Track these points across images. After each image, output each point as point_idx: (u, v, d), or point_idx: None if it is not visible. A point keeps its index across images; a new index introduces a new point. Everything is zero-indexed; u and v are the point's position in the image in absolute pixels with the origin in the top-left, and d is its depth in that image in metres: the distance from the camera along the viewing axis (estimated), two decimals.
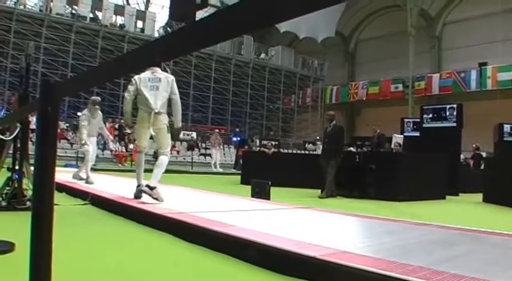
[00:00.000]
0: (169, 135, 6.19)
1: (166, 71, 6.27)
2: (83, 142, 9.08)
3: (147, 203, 5.59)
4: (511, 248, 3.71)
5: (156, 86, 6.00)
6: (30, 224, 1.51)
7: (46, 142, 1.50)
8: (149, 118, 5.95)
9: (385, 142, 11.67)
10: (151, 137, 6.25)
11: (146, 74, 6.01)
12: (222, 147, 25.94)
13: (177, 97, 6.09)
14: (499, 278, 2.42)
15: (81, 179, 9.22)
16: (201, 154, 27.86)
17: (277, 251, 3.07)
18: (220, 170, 22.63)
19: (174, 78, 6.15)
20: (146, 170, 6.48)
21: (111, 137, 10.63)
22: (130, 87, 6.05)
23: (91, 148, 9.27)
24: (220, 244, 3.54)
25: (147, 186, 5.80)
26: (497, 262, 3.00)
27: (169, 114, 6.14)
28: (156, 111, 5.91)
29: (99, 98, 10.17)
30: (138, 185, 6.14)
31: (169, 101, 6.07)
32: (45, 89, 1.47)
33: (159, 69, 6.09)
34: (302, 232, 4.01)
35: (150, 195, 5.73)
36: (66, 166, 18.58)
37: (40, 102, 1.48)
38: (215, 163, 23.02)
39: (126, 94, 6.15)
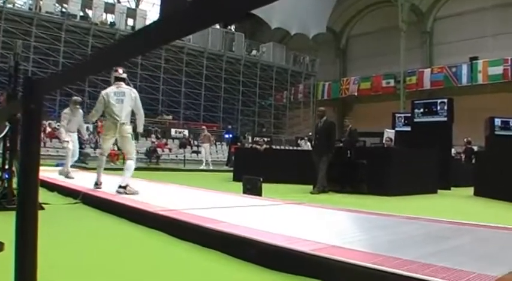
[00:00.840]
0: (133, 142, 7.19)
1: (130, 85, 7.35)
2: (63, 139, 9.98)
3: (137, 201, 5.57)
4: (501, 241, 3.73)
5: (121, 99, 6.87)
6: (15, 223, 1.50)
7: (30, 140, 1.49)
8: (115, 128, 6.83)
9: (357, 138, 11.51)
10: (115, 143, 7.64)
11: (112, 89, 6.93)
12: (212, 144, 25.81)
13: (141, 112, 7.16)
14: (487, 271, 2.43)
15: (66, 175, 9.83)
16: (193, 152, 27.80)
17: (268, 247, 3.08)
18: (211, 167, 22.54)
19: (137, 95, 7.08)
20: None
21: (86, 136, 11.63)
22: (99, 105, 6.95)
23: (71, 145, 9.90)
24: (211, 241, 3.54)
25: (120, 187, 6.58)
26: (486, 255, 3.01)
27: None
28: (122, 122, 6.79)
29: (79, 98, 11.07)
30: (96, 183, 7.23)
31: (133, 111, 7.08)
32: (27, 87, 1.46)
33: (123, 84, 7.04)
34: (293, 227, 4.01)
35: (125, 193, 6.47)
36: (57, 165, 18.48)
37: (23, 99, 1.47)
38: (207, 161, 22.89)
39: (93, 111, 7.15)
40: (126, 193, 6.46)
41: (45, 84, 1.51)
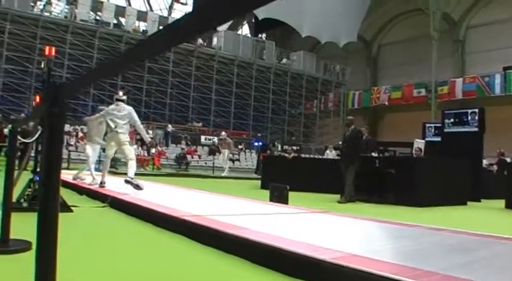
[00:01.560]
0: (131, 147, 8.79)
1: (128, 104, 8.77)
2: (87, 151, 9.90)
3: (165, 205, 5.64)
4: None
5: (118, 111, 8.30)
6: (36, 224, 1.54)
7: (53, 142, 1.53)
8: (112, 137, 8.32)
9: (373, 147, 11.06)
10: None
11: (112, 106, 8.49)
12: (232, 151, 24.85)
13: (137, 124, 8.61)
14: None
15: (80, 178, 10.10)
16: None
17: (288, 254, 3.08)
18: (224, 174, 21.46)
19: (132, 110, 8.44)
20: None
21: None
22: (101, 113, 8.88)
23: (90, 150, 9.80)
24: (233, 247, 3.56)
25: (127, 180, 7.94)
26: (511, 269, 2.96)
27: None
28: (116, 130, 8.18)
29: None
30: (101, 183, 8.35)
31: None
32: (51, 91, 1.51)
33: (122, 103, 8.43)
34: (317, 235, 4.00)
35: (131, 183, 7.84)
36: (96, 169, 18.81)
37: (47, 103, 1.52)
38: (224, 167, 22.01)
39: (97, 114, 9.29)
40: (132, 183, 7.85)
41: (68, 89, 1.56)
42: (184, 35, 1.07)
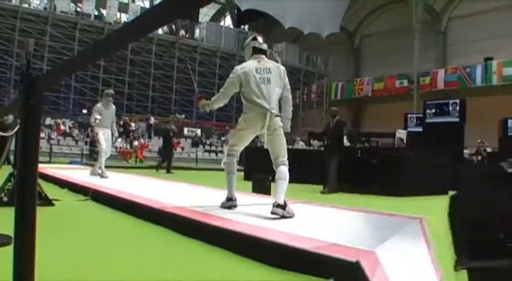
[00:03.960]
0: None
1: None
2: (98, 138, 9.41)
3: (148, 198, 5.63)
4: None
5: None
6: (14, 218, 1.53)
7: (29, 135, 1.52)
8: None
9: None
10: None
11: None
12: None
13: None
14: None
15: (101, 175, 9.45)
16: (205, 151, 27.88)
17: (269, 244, 3.10)
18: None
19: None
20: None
21: (117, 133, 11.07)
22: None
23: (104, 143, 9.32)
24: (216, 238, 3.57)
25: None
26: None
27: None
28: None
29: (112, 91, 10.35)
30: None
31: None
32: (26, 83, 1.49)
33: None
34: (298, 225, 4.02)
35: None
36: (71, 163, 18.71)
37: (22, 95, 1.51)
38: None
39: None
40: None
41: (44, 80, 1.54)
42: (157, 22, 1.07)
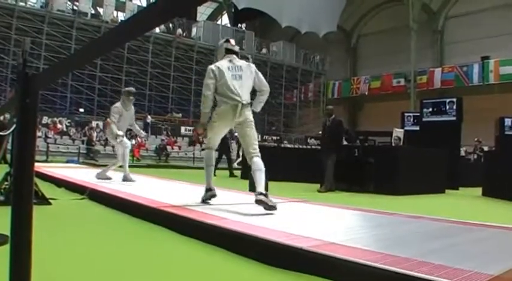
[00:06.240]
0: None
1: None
2: (120, 139, 8.19)
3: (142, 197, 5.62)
4: (503, 241, 3.72)
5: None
6: (10, 218, 1.53)
7: (25, 134, 1.51)
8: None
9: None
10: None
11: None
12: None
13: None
14: (484, 269, 2.43)
15: (107, 178, 8.61)
16: (202, 149, 27.83)
17: (266, 243, 3.10)
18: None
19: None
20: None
21: (143, 133, 9.98)
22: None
23: (121, 148, 8.44)
24: (213, 237, 3.57)
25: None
26: (486, 254, 3.01)
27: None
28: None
29: (133, 89, 9.17)
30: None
31: None
32: (22, 81, 1.49)
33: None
34: (295, 224, 4.02)
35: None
36: (68, 162, 18.67)
37: (18, 94, 1.50)
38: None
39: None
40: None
41: (40, 79, 1.54)
42: (154, 21, 1.06)
